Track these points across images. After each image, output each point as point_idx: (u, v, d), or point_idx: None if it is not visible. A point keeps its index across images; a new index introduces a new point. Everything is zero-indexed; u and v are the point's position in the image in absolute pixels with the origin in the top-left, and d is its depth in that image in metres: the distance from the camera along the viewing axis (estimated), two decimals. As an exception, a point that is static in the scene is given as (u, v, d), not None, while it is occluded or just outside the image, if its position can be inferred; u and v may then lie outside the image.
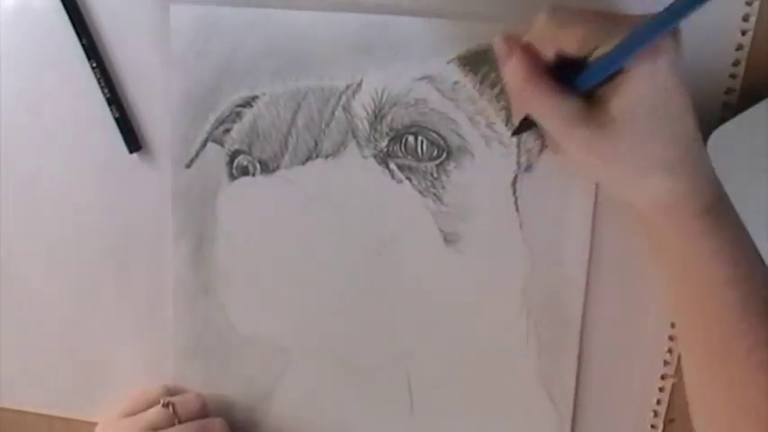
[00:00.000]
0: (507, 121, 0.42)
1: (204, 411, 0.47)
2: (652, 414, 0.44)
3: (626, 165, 0.37)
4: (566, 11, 0.36)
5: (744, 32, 0.40)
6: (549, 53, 0.36)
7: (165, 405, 0.46)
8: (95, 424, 0.48)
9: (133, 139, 0.46)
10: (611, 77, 0.35)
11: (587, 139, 0.36)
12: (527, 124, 0.39)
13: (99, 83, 0.46)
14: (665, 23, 0.33)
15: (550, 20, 0.36)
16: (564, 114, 0.36)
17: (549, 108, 0.36)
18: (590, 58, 0.35)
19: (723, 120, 0.40)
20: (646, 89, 0.35)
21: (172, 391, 0.48)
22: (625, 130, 0.35)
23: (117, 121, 0.46)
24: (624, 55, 0.34)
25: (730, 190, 0.40)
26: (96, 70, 0.46)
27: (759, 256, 0.38)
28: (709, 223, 0.36)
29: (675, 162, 0.36)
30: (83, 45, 0.46)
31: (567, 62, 0.36)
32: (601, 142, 0.36)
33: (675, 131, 0.35)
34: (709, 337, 0.37)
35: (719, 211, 0.37)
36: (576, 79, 0.36)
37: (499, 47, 0.38)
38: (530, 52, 0.37)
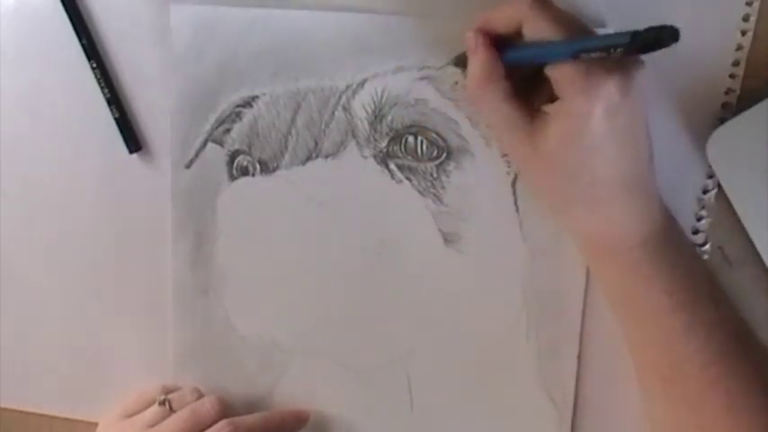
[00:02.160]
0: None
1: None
2: (652, 414, 0.44)
3: (554, 192, 0.37)
4: (553, 7, 0.35)
5: (744, 32, 0.39)
6: (505, 27, 0.37)
7: (162, 403, 0.46)
8: (96, 424, 0.48)
9: (133, 139, 0.46)
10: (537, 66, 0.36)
11: (525, 154, 0.37)
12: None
13: (99, 83, 0.46)
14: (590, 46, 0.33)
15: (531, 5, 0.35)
16: (507, 123, 0.37)
17: (494, 115, 0.38)
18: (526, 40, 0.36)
19: (723, 120, 0.40)
20: (579, 126, 0.34)
21: (171, 391, 0.48)
22: (557, 158, 0.36)
23: (117, 121, 0.46)
24: (556, 55, 0.34)
25: (730, 190, 0.40)
26: (96, 70, 0.46)
27: (706, 277, 0.38)
28: (641, 257, 0.36)
29: (602, 202, 0.36)
30: (83, 45, 0.46)
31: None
32: (535, 158, 0.37)
33: (609, 171, 0.35)
34: (658, 361, 0.38)
35: (658, 241, 0.37)
36: (508, 52, 0.37)
37: (469, 41, 0.38)
38: (491, 52, 0.37)
